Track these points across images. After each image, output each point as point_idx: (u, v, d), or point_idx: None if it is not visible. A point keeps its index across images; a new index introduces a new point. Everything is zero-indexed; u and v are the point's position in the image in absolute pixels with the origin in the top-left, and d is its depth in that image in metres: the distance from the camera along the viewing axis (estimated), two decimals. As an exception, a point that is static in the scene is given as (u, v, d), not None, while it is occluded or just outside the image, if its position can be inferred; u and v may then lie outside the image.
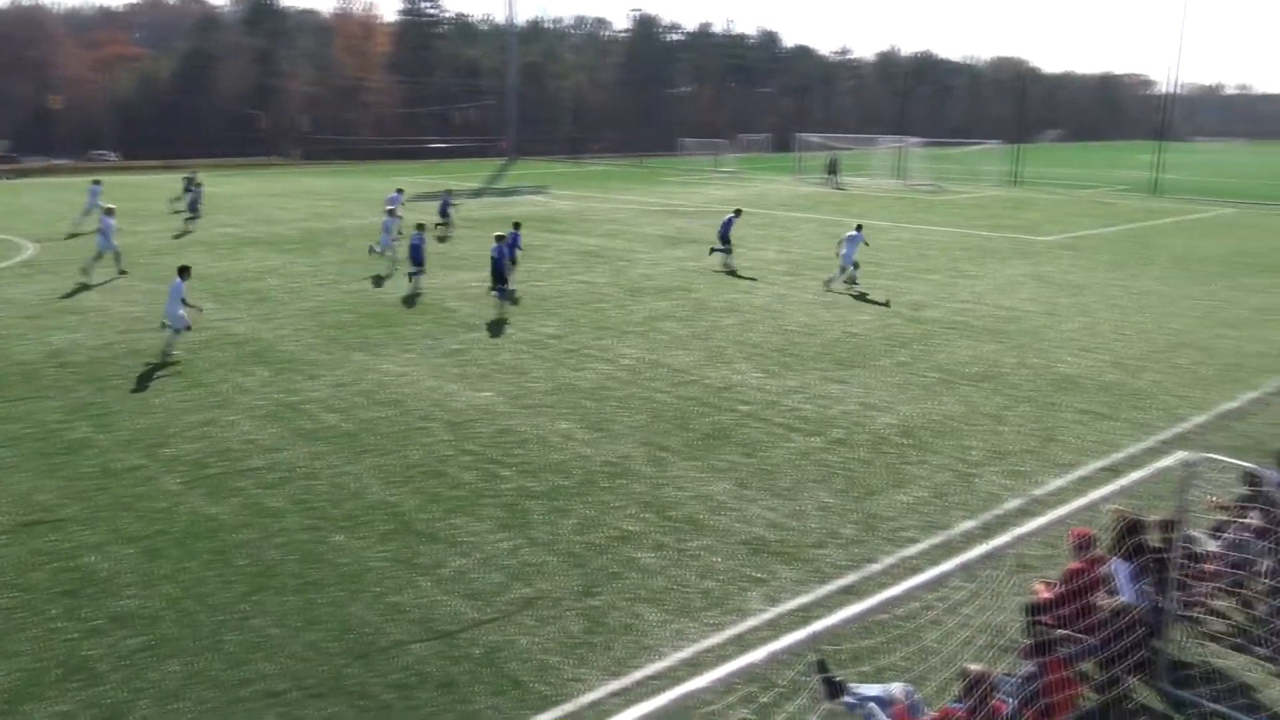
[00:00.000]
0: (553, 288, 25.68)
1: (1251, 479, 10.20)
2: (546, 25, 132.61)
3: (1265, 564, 9.41)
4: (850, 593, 9.99)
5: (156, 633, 9.22)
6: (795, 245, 33.84)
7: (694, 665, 8.69)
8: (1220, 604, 9.63)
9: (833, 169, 61.14)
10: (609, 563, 10.62)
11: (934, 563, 9.64)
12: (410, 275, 24.92)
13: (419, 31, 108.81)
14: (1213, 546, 9.69)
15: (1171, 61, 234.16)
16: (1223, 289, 26.44)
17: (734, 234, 30.08)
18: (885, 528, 11.51)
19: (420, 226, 26.24)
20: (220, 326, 20.84)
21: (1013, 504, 12.21)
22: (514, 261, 25.33)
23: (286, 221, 39.22)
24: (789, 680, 8.05)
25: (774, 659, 4.96)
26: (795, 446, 14.11)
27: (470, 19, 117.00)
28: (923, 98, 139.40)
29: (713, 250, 29.74)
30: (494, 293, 23.36)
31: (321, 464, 13.24)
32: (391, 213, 29.46)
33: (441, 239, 33.61)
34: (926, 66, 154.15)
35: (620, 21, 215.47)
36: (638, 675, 8.62)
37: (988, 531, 11.22)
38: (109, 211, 27.20)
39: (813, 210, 45.88)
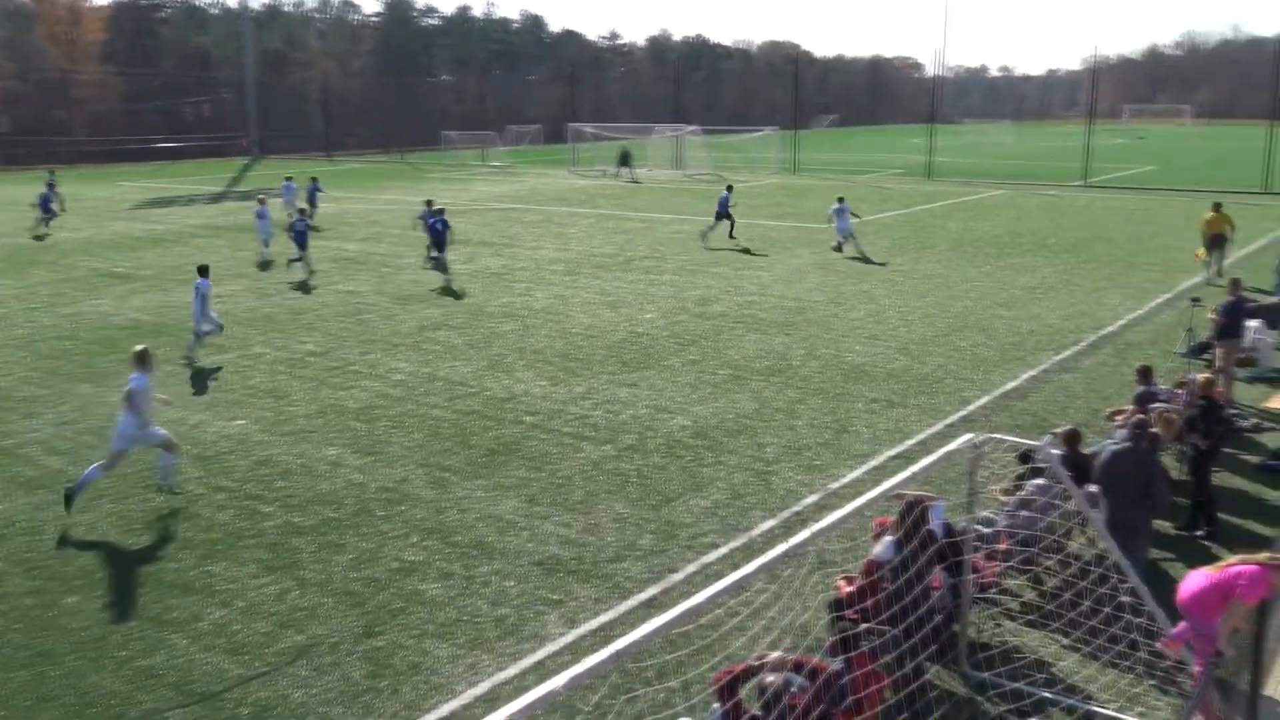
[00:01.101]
0: (311, 299, 24.91)
1: (1028, 456, 11.06)
2: (286, 8, 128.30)
3: (1044, 527, 10.23)
4: (652, 606, 10.16)
5: None
6: (574, 243, 34.14)
7: (490, 700, 8.63)
8: (1013, 583, 10.38)
9: (625, 161, 61.85)
10: (391, 598, 10.41)
11: (735, 567, 9.95)
12: (293, 260, 28.27)
13: (138, 17, 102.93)
14: (1002, 523, 10.45)
15: (938, 44, 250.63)
16: (997, 270, 28.52)
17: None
18: (684, 535, 11.78)
19: (302, 211, 30.63)
20: (-89, 363, 19.09)
21: (810, 499, 12.75)
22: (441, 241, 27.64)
23: (-12, 237, 36.27)
24: (594, 705, 8.12)
25: (576, 684, 4.99)
26: (586, 456, 14.24)
27: (197, 2, 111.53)
28: (697, 84, 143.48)
29: (712, 229, 34.18)
30: (431, 260, 27.95)
31: (46, 515, 12.34)
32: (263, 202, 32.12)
33: (313, 228, 34.90)
34: (699, 51, 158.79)
35: (370, 4, 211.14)
36: (430, 718, 8.49)
37: (787, 530, 11.68)
38: None
39: (590, 205, 46.41)
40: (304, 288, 26.59)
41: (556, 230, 37.38)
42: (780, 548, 6.32)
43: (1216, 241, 27.47)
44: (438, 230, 27.66)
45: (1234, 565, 8.00)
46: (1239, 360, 17.46)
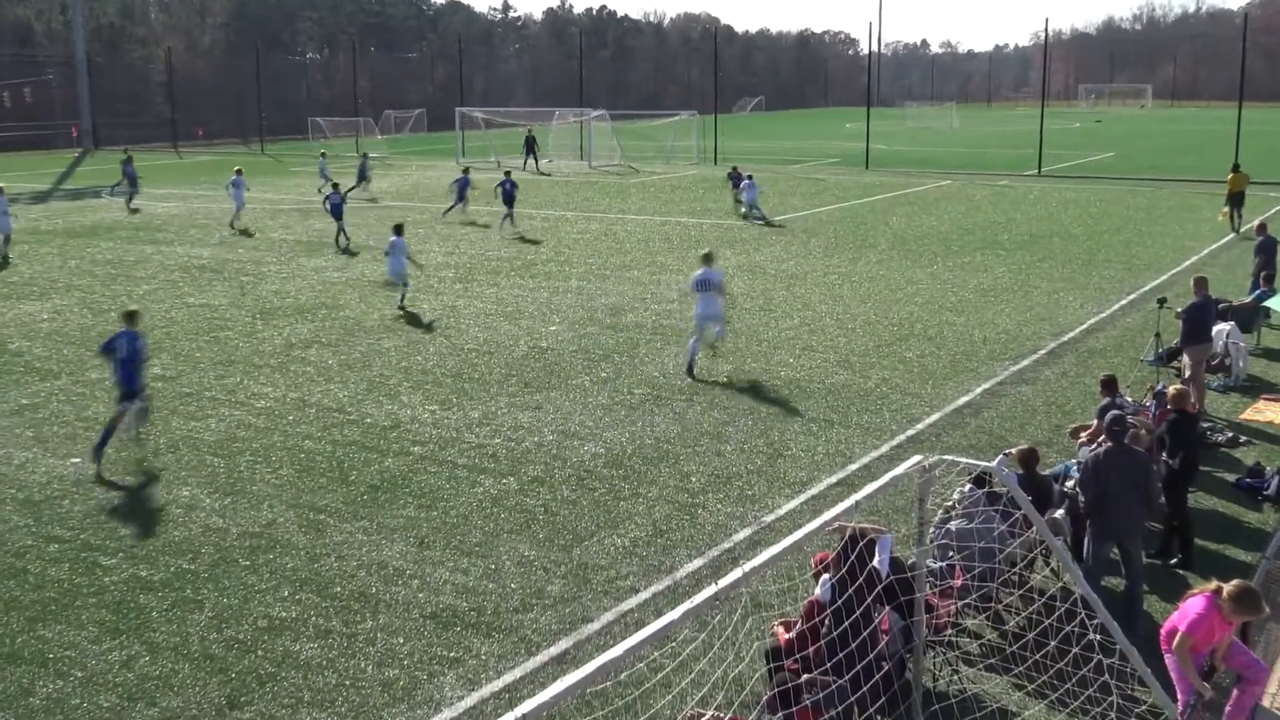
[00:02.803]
0: (158, 315, 24.43)
1: (983, 480, 11.29)
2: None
3: (1003, 559, 10.46)
4: (564, 661, 10.15)
5: None
6: (465, 245, 34.02)
7: (379, 777, 8.52)
8: (971, 622, 10.57)
9: (530, 149, 61.67)
10: (259, 662, 10.24)
11: (659, 614, 9.97)
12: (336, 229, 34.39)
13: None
14: (954, 556, 10.65)
15: (873, 18, 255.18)
16: (945, 270, 29.11)
17: None
18: (599, 579, 11.78)
19: (336, 185, 35.98)
20: None
21: (742, 534, 12.85)
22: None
23: None
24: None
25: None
26: (485, 491, 14.18)
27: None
28: (603, 63, 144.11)
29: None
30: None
31: None
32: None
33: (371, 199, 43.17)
34: (604, 26, 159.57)
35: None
36: (308, 800, 8.36)
37: (716, 570, 11.75)
38: None
39: (482, 201, 46.26)
40: (349, 251, 32.76)
41: (445, 231, 37.19)
42: (709, 590, 6.36)
43: (1236, 200, 33.61)
44: (508, 191, 37.41)
45: (1189, 597, 8.49)
46: (1210, 367, 18.04)
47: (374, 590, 11.59)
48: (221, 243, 34.83)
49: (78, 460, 15.39)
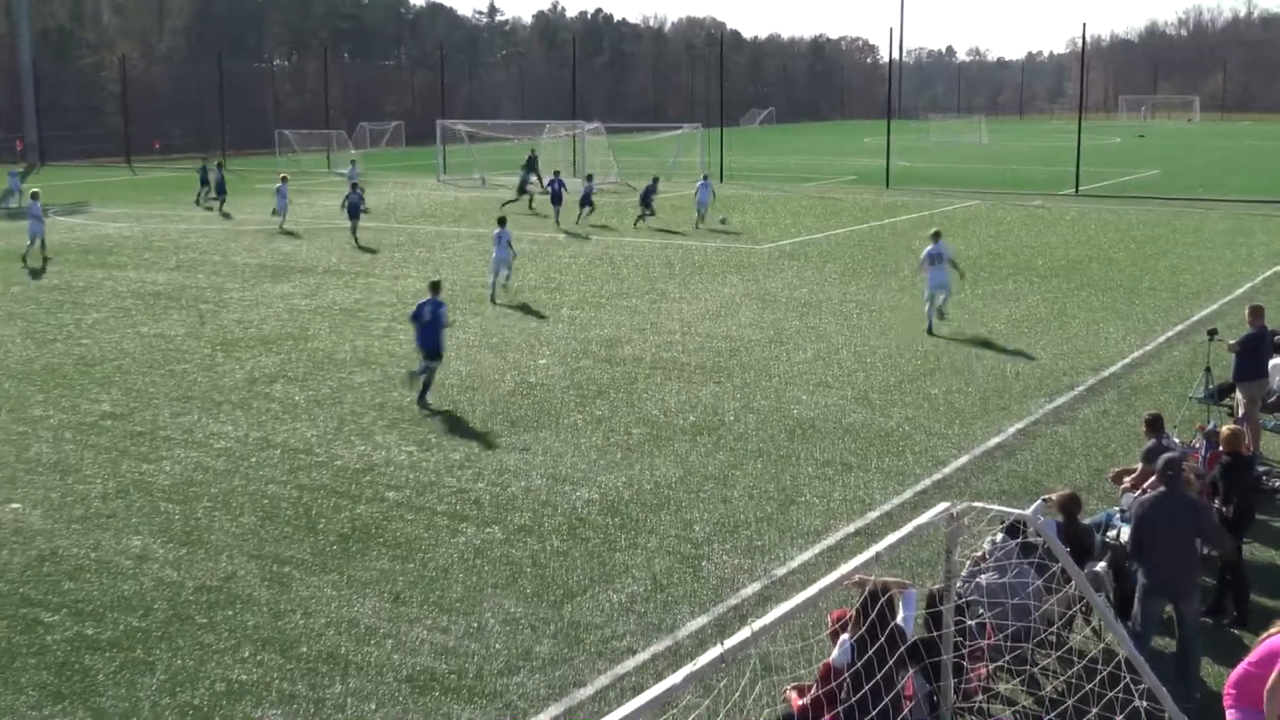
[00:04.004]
0: (107, 346, 24.44)
1: (1016, 529, 11.25)
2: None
3: (1040, 617, 10.40)
4: (554, 730, 10.09)
5: None
6: (446, 269, 34.07)
7: None
8: (1004, 687, 10.52)
9: (532, 167, 60.59)
10: (216, 730, 10.18)
11: (659, 677, 9.93)
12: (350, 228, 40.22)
13: None
14: (985, 615, 10.61)
15: (894, 22, 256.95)
16: (973, 298, 29.15)
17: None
18: (593, 638, 11.74)
19: (355, 186, 42.12)
20: None
21: (751, 589, 12.81)
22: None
23: None
24: None
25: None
26: (467, 541, 14.14)
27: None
28: (598, 71, 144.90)
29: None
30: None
31: None
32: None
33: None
34: (599, 31, 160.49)
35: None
36: None
37: (722, 628, 11.71)
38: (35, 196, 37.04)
39: (466, 222, 46.42)
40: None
41: (424, 255, 37.27)
42: (714, 651, 6.33)
43: None
44: (556, 190, 44.40)
45: (1272, 637, 8.37)
46: (1265, 405, 18.02)
47: (344, 650, 11.53)
48: (179, 267, 34.90)
49: (17, 505, 15.36)
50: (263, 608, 12.46)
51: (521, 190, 51.29)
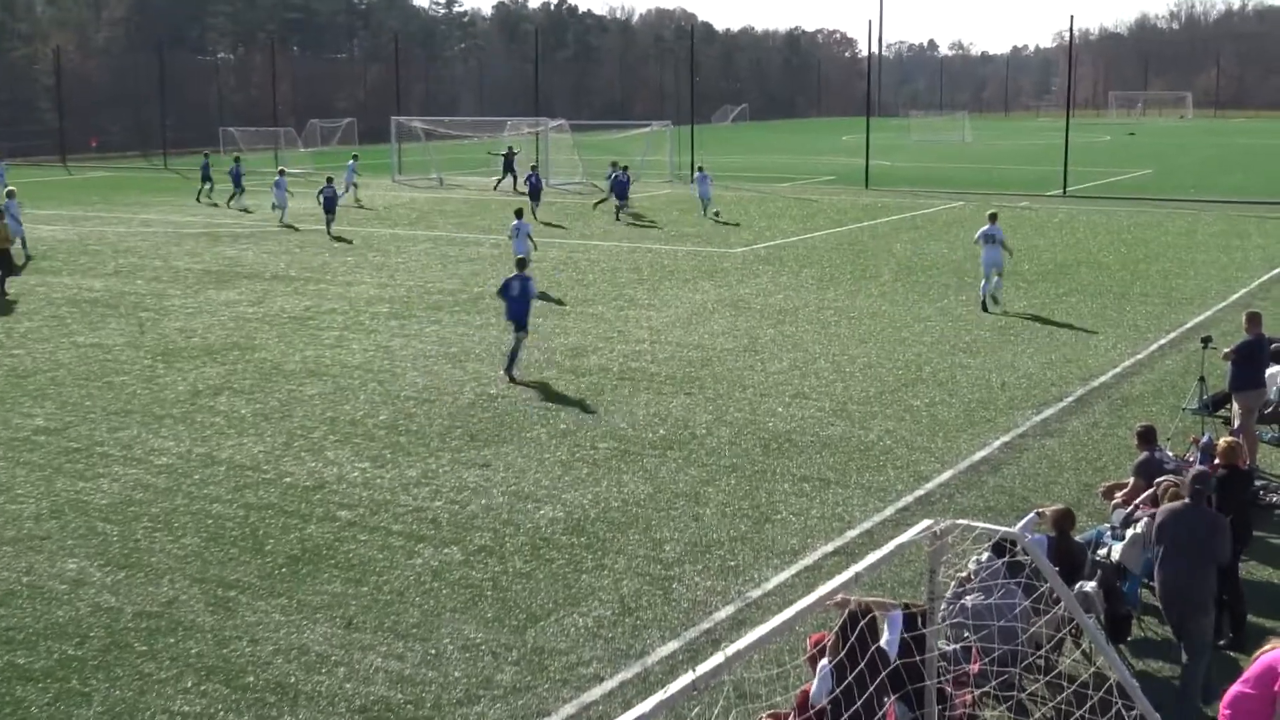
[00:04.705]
0: (41, 357, 24.28)
1: (1003, 547, 11.29)
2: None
3: (1027, 640, 10.44)
4: (516, 763, 10.07)
5: None
6: (402, 276, 34.01)
7: None
8: (990, 714, 10.55)
9: (509, 166, 61.03)
10: (157, 765, 10.12)
11: (627, 706, 9.91)
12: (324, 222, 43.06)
13: None
14: (970, 638, 10.64)
15: (872, 14, 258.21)
16: (957, 305, 29.30)
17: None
18: (557, 665, 11.72)
19: (329, 179, 44.98)
20: None
21: (724, 613, 12.81)
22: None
23: None
24: None
25: None
26: (423, 563, 14.10)
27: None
28: (562, 65, 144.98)
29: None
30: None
31: None
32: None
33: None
34: (563, 23, 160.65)
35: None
36: None
37: (694, 654, 11.70)
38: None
39: (423, 225, 46.34)
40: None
41: (378, 259, 37.18)
42: (686, 678, 6.32)
43: None
44: (622, 183, 47.67)
45: (1266, 653, 8.43)
46: (1263, 415, 18.15)
47: (293, 680, 11.48)
48: (117, 272, 34.72)
49: (-56, 528, 15.23)
50: (206, 635, 12.38)
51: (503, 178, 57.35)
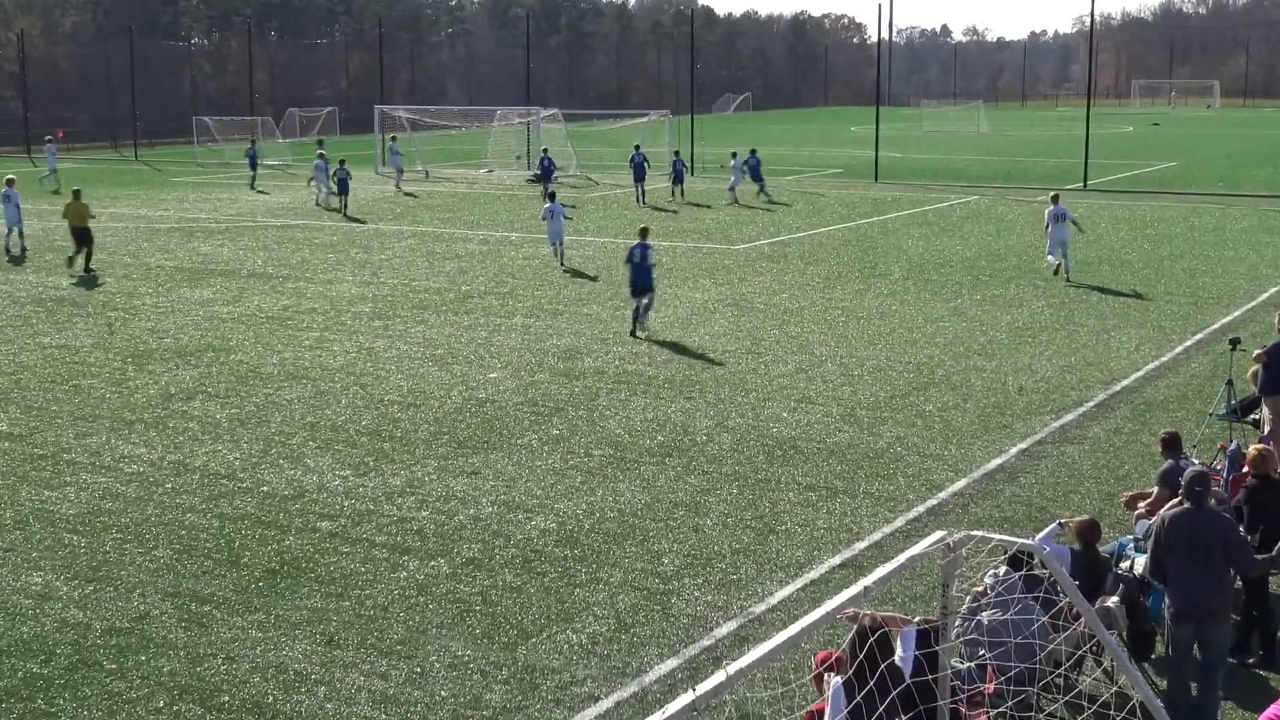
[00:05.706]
0: (4, 359, 24.27)
1: (1020, 560, 11.28)
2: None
3: (1045, 657, 10.43)
4: (506, 788, 10.06)
5: None
6: (386, 273, 34.00)
7: None
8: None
9: (548, 174, 59.92)
10: (126, 790, 10.11)
11: (624, 727, 9.92)
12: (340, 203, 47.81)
13: None
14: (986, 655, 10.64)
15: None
16: (971, 304, 29.30)
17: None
18: (550, 684, 11.71)
19: (342, 161, 48.73)
20: None
21: (725, 629, 12.80)
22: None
23: None
24: None
25: None
26: (409, 576, 14.09)
27: None
28: (555, 53, 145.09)
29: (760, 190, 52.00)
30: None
31: None
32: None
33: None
34: (556, 8, 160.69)
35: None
36: None
37: (694, 672, 11.70)
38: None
39: (408, 220, 46.34)
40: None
41: (361, 256, 37.18)
42: (685, 698, 6.33)
43: None
44: (639, 165, 51.34)
45: None
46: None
47: (271, 699, 11.48)
48: (86, 270, 34.70)
49: (-98, 539, 15.22)
50: (180, 652, 12.37)
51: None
